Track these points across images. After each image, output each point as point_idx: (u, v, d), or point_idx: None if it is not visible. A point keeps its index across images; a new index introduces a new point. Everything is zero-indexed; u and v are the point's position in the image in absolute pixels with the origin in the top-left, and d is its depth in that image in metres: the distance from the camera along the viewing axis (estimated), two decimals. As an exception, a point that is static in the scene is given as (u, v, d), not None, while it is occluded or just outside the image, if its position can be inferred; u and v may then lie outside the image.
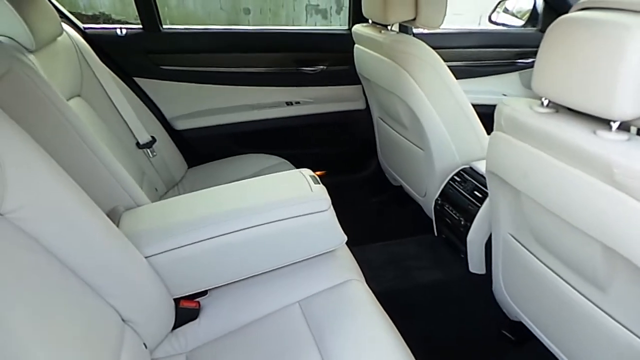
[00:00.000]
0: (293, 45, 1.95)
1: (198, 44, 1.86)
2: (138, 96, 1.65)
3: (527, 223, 0.98)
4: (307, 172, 1.16)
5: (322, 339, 0.92)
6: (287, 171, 1.18)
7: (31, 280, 0.64)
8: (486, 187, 1.21)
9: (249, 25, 4.82)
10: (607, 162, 0.67)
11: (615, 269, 0.77)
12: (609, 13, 0.68)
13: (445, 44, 2.00)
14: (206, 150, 1.90)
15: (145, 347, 0.89)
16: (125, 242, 0.86)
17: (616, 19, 0.65)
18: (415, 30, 1.93)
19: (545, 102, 0.82)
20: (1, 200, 0.65)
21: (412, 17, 1.42)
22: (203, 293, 1.04)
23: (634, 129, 0.72)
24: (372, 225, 2.01)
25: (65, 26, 1.41)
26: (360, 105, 2.05)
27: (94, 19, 4.80)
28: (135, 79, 1.77)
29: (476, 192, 1.38)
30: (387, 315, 1.00)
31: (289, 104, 1.98)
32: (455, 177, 1.48)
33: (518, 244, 1.06)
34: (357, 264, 1.17)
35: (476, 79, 2.12)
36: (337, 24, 4.95)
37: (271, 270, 1.07)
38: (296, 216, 1.02)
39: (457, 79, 1.40)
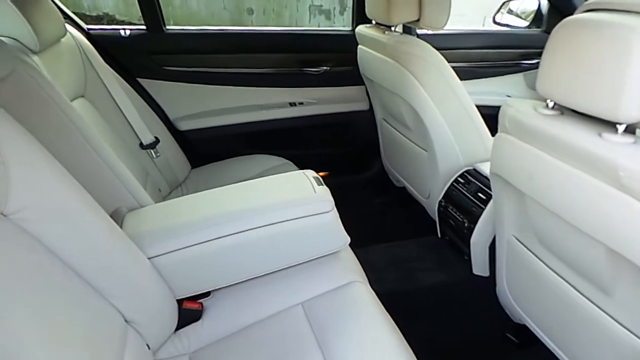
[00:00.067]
0: (296, 46, 1.95)
1: (201, 44, 1.86)
2: (141, 97, 1.66)
3: (531, 225, 0.98)
4: (310, 173, 1.15)
5: (325, 341, 0.92)
6: (291, 172, 1.17)
7: (34, 280, 0.64)
8: (490, 189, 1.20)
9: (252, 25, 4.83)
10: (613, 165, 0.66)
11: (620, 272, 0.77)
12: (615, 15, 0.67)
13: (449, 45, 2.00)
14: (209, 150, 1.90)
15: (148, 348, 0.89)
16: (128, 243, 0.86)
17: (622, 21, 0.64)
18: (418, 31, 1.92)
19: (550, 104, 0.81)
20: (5, 201, 0.65)
21: (415, 18, 1.42)
22: (206, 294, 1.04)
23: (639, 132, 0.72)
24: (375, 226, 2.00)
25: (69, 27, 1.41)
26: (363, 106, 2.05)
27: (98, 19, 4.82)
28: (138, 79, 1.78)
29: (480, 194, 1.38)
30: (390, 317, 0.99)
31: (292, 104, 1.98)
32: (459, 179, 1.48)
33: (522, 246, 1.05)
34: (360, 266, 1.16)
35: (480, 80, 2.11)
36: (341, 24, 4.95)
37: (274, 272, 1.07)
38: (299, 217, 1.02)
39: (461, 80, 1.40)
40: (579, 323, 0.91)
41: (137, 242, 0.89)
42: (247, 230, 0.98)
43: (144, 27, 1.77)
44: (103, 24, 4.49)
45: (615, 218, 0.68)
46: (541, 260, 0.99)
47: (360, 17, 1.84)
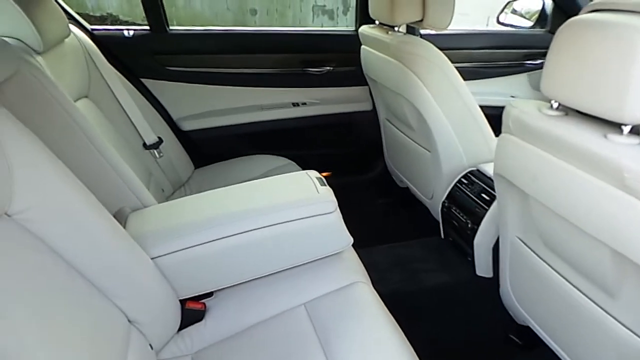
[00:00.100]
0: (300, 46, 1.95)
1: (204, 45, 1.86)
2: (145, 97, 1.66)
3: (536, 226, 0.97)
4: (313, 173, 1.15)
5: (327, 342, 0.92)
6: (294, 173, 1.17)
7: (37, 280, 0.64)
8: (494, 190, 1.20)
9: (255, 25, 4.83)
10: (618, 167, 0.66)
11: (625, 274, 0.76)
12: (621, 15, 0.67)
13: (452, 45, 1.99)
14: (213, 150, 1.90)
15: (151, 348, 0.89)
16: (131, 243, 0.86)
17: (628, 21, 0.64)
18: (422, 31, 1.92)
19: (555, 105, 0.81)
20: (9, 201, 0.65)
21: (419, 18, 1.41)
22: (209, 294, 1.04)
23: (645, 133, 0.71)
24: (379, 227, 2.00)
25: (73, 27, 1.42)
26: (366, 106, 2.05)
27: (102, 19, 4.83)
28: (142, 80, 1.78)
29: (484, 195, 1.37)
30: (392, 318, 0.99)
31: (295, 105, 1.98)
32: (463, 180, 1.47)
33: (526, 247, 1.05)
34: (363, 266, 1.16)
35: (484, 80, 2.11)
36: (344, 24, 4.95)
37: (277, 272, 1.07)
38: (302, 218, 1.02)
39: (464, 80, 1.39)
40: (583, 325, 0.91)
41: (140, 242, 0.90)
42: (250, 231, 0.98)
43: (147, 27, 1.77)
44: (107, 25, 4.51)
45: (620, 220, 0.68)
46: (545, 262, 0.99)
47: (363, 17, 1.84)
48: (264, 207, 1.01)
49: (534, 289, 1.07)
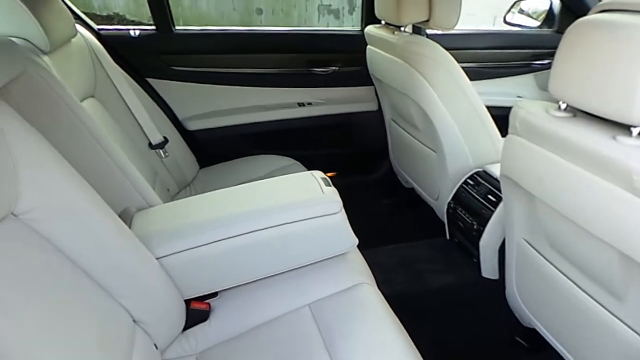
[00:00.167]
0: (305, 46, 1.95)
1: (210, 45, 1.86)
2: (151, 97, 1.66)
3: (542, 228, 0.97)
4: (318, 174, 1.15)
5: (332, 343, 0.92)
6: (299, 173, 1.17)
7: (43, 280, 0.65)
8: (500, 191, 1.19)
9: (261, 25, 4.84)
10: (627, 169, 0.65)
11: (633, 277, 0.75)
12: (630, 15, 0.66)
13: (459, 45, 1.98)
14: (218, 150, 1.90)
15: (156, 347, 0.89)
16: (137, 243, 0.87)
17: (637, 22, 0.63)
18: (428, 31, 1.91)
19: (563, 106, 0.80)
20: (15, 201, 0.65)
21: (425, 18, 1.41)
22: (213, 294, 1.04)
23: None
24: (384, 227, 2.00)
25: (80, 27, 1.42)
26: (372, 106, 2.04)
27: (109, 19, 4.86)
28: (148, 79, 1.79)
29: (490, 196, 1.36)
30: (397, 319, 0.99)
31: (300, 105, 1.98)
32: (469, 181, 1.46)
33: (532, 249, 1.04)
34: (368, 267, 1.16)
35: (490, 80, 2.10)
36: (350, 24, 4.94)
37: (282, 273, 1.07)
38: (307, 219, 1.01)
39: (471, 80, 1.39)
40: (589, 327, 0.90)
41: (145, 242, 0.90)
42: (255, 231, 0.98)
43: (153, 27, 1.78)
44: (113, 24, 4.53)
45: (629, 222, 0.67)
46: (551, 264, 0.98)
47: (369, 17, 1.83)
48: (268, 208, 1.01)
49: (540, 291, 1.07)
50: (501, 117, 1.22)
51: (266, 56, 1.92)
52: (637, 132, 0.67)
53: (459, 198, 1.49)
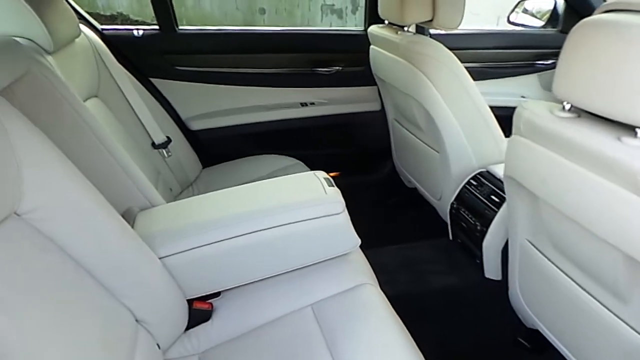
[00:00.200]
0: (308, 46, 1.94)
1: (213, 44, 1.86)
2: (154, 96, 1.67)
3: (545, 229, 0.96)
4: (321, 174, 1.15)
5: (334, 343, 0.92)
6: (301, 173, 1.17)
7: (46, 280, 0.65)
8: (503, 192, 1.18)
9: (264, 25, 4.84)
10: (632, 170, 0.64)
11: (637, 279, 0.75)
12: (636, 16, 0.66)
13: (462, 45, 1.98)
14: (221, 150, 1.90)
15: (159, 347, 0.89)
16: (139, 243, 0.87)
17: None
18: (432, 31, 1.90)
19: (567, 107, 0.80)
20: (18, 200, 0.65)
21: (429, 18, 1.40)
22: (216, 294, 1.04)
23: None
24: (387, 227, 1.99)
25: (83, 27, 1.42)
26: (375, 106, 2.04)
27: (112, 19, 4.87)
28: (151, 79, 1.79)
29: (493, 197, 1.36)
30: (400, 320, 0.99)
31: (303, 104, 1.98)
32: (472, 181, 1.46)
33: (535, 250, 1.03)
34: (370, 268, 1.16)
35: (494, 80, 2.09)
36: (353, 23, 4.93)
37: (284, 273, 1.06)
38: (310, 219, 1.01)
39: (474, 80, 1.38)
40: (593, 329, 0.90)
41: (148, 242, 0.90)
42: (257, 231, 0.98)
43: (157, 27, 1.78)
44: (117, 24, 4.54)
45: (633, 223, 0.67)
46: (555, 265, 0.98)
47: (372, 17, 1.83)
48: (271, 208, 1.01)
49: (543, 292, 1.06)
50: (505, 117, 1.21)
51: (269, 56, 1.92)
52: (643, 133, 0.67)
53: (462, 198, 1.49)
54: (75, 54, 1.28)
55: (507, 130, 1.08)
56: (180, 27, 1.81)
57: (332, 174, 1.19)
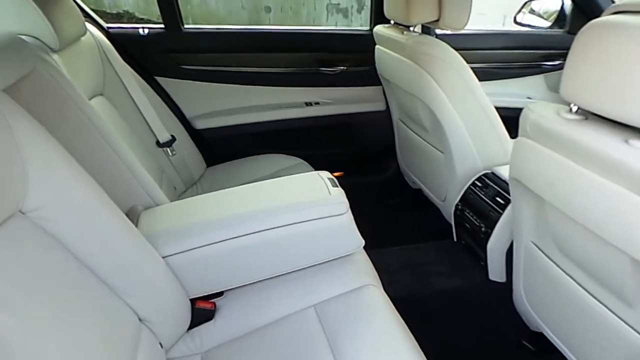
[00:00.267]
0: (313, 46, 1.94)
1: (219, 43, 1.87)
2: (159, 95, 1.67)
3: (551, 232, 0.95)
4: (325, 174, 1.15)
5: (337, 344, 0.91)
6: (305, 173, 1.17)
7: (50, 279, 0.65)
8: (508, 194, 1.17)
9: (269, 23, 4.84)
10: (639, 173, 0.64)
11: (645, 283, 0.74)
12: None
13: (468, 46, 1.97)
14: (225, 149, 1.90)
15: (161, 346, 0.89)
16: (143, 242, 0.87)
17: None
18: (437, 31, 1.90)
19: (574, 109, 0.79)
20: (23, 198, 0.66)
21: (435, 18, 1.39)
22: (219, 294, 1.04)
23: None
24: (390, 228, 1.99)
25: (89, 25, 1.43)
26: (380, 106, 2.03)
27: (118, 17, 4.89)
28: (156, 78, 1.79)
29: (498, 199, 1.35)
30: (403, 322, 0.98)
31: (308, 104, 1.98)
32: (477, 182, 1.45)
33: (541, 252, 1.03)
34: (374, 269, 1.15)
35: (500, 81, 2.08)
36: (358, 23, 4.93)
37: (287, 273, 1.06)
38: (313, 219, 1.01)
39: (480, 81, 1.37)
40: (598, 332, 0.89)
41: (152, 241, 0.90)
42: (261, 231, 0.98)
43: (162, 26, 1.78)
44: (123, 22, 4.56)
45: None
46: (560, 268, 0.97)
47: (378, 16, 1.83)
48: (275, 208, 1.01)
49: (547, 295, 1.05)
50: (510, 118, 1.21)
51: (274, 55, 1.91)
52: (651, 136, 0.66)
53: (467, 200, 1.48)
54: (80, 52, 1.29)
55: (512, 131, 1.07)
56: (186, 26, 1.81)
57: (336, 174, 1.18)
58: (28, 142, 0.67)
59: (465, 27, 1.39)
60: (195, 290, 0.99)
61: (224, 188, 1.13)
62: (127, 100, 1.47)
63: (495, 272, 1.39)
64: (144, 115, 1.51)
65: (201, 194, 1.24)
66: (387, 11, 1.55)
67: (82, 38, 1.33)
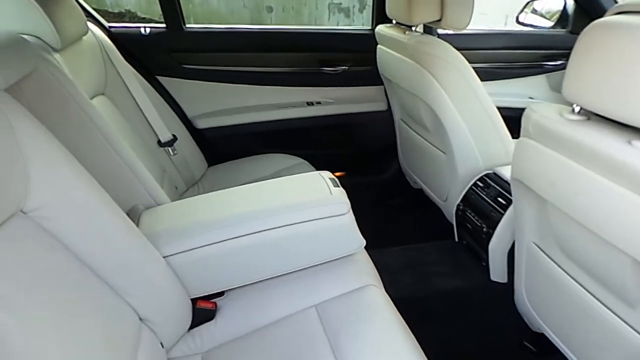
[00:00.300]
0: (315, 45, 1.94)
1: (220, 43, 1.87)
2: (160, 95, 1.67)
3: (553, 233, 0.95)
4: (326, 174, 1.15)
5: (338, 344, 0.91)
6: (307, 173, 1.17)
7: (50, 279, 0.65)
8: (510, 194, 1.17)
9: (271, 23, 4.84)
10: None
11: (646, 284, 0.74)
12: None
13: (470, 45, 1.96)
14: (226, 149, 1.90)
15: (162, 346, 0.89)
16: (144, 241, 0.87)
17: None
18: (439, 31, 1.89)
19: (577, 109, 0.79)
20: (24, 198, 0.66)
21: (437, 18, 1.39)
22: (220, 294, 1.04)
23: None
24: (391, 228, 1.98)
25: (91, 25, 1.43)
26: (381, 106, 2.03)
27: (120, 16, 4.90)
28: (158, 77, 1.79)
29: (500, 199, 1.35)
30: (404, 322, 0.98)
31: (309, 104, 1.97)
32: (478, 183, 1.45)
33: (542, 253, 1.03)
34: (375, 269, 1.15)
35: (502, 81, 2.07)
36: (360, 22, 4.92)
37: (288, 273, 1.06)
38: (315, 219, 1.01)
39: (482, 81, 1.37)
40: (600, 334, 0.89)
41: (153, 240, 0.90)
42: (262, 231, 0.98)
43: (164, 25, 1.78)
44: (125, 21, 4.56)
45: None
46: (562, 269, 0.97)
47: (380, 16, 1.82)
48: (276, 208, 1.01)
49: (549, 296, 1.05)
50: (512, 118, 1.20)
51: (276, 55, 1.91)
52: (654, 137, 0.66)
53: (469, 200, 1.48)
54: (82, 51, 1.29)
55: (514, 131, 1.06)
56: (188, 26, 1.81)
57: (337, 174, 1.18)
58: (30, 141, 0.67)
59: (467, 27, 1.39)
60: (196, 290, 0.99)
61: (225, 188, 1.13)
62: (128, 99, 1.47)
63: (497, 272, 1.39)
64: (145, 114, 1.51)
65: (202, 193, 1.24)
66: (389, 11, 1.55)
67: (84, 37, 1.33)
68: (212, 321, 1.01)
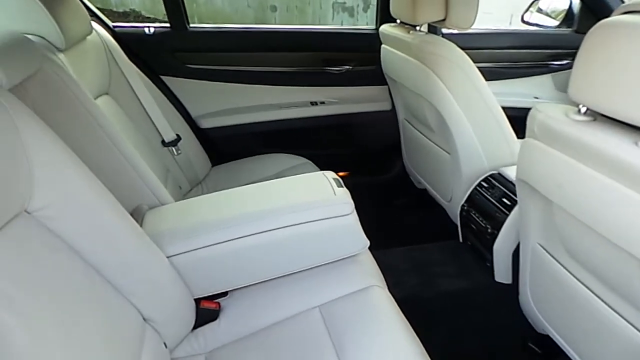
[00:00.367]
0: (319, 45, 1.94)
1: (224, 43, 1.87)
2: (164, 94, 1.67)
3: (559, 234, 0.95)
4: (330, 174, 1.14)
5: (341, 345, 0.91)
6: (311, 173, 1.17)
7: (54, 279, 0.65)
8: (515, 195, 1.17)
9: (275, 22, 4.84)
10: None
11: (654, 287, 0.73)
12: None
13: (475, 45, 1.95)
14: (230, 149, 1.90)
15: (165, 346, 0.89)
16: (148, 241, 0.87)
17: None
18: (444, 30, 1.89)
19: (583, 110, 0.78)
20: (28, 198, 0.66)
21: (442, 18, 1.39)
22: (223, 294, 1.04)
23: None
24: (395, 229, 1.98)
25: (95, 25, 1.43)
26: (386, 106, 2.02)
27: (125, 15, 4.91)
28: (162, 77, 1.80)
29: (504, 200, 1.34)
30: (408, 323, 0.98)
31: (313, 103, 1.97)
32: (483, 183, 1.44)
33: (548, 255, 1.02)
34: (379, 270, 1.15)
35: (507, 80, 2.06)
36: (364, 21, 4.92)
37: (292, 274, 1.06)
38: (318, 220, 1.01)
39: (487, 80, 1.36)
40: (606, 336, 0.88)
41: (156, 240, 0.90)
42: (265, 232, 0.97)
43: (168, 25, 1.79)
44: (130, 20, 4.58)
45: None
46: (567, 270, 0.96)
47: (384, 16, 1.82)
48: (279, 208, 1.01)
49: (554, 297, 1.05)
50: (517, 118, 1.20)
51: (280, 54, 1.91)
52: (661, 138, 0.65)
53: (473, 200, 1.47)
54: (86, 51, 1.29)
55: (519, 131, 1.06)
56: (192, 25, 1.81)
57: (341, 174, 1.18)
58: (34, 142, 0.67)
59: (472, 27, 1.38)
60: (200, 290, 0.99)
61: (228, 187, 1.13)
62: (132, 99, 1.47)
63: (501, 273, 1.38)
64: (149, 114, 1.51)
65: (206, 193, 1.24)
66: (393, 10, 1.55)
67: (88, 37, 1.33)
68: (216, 321, 1.00)
